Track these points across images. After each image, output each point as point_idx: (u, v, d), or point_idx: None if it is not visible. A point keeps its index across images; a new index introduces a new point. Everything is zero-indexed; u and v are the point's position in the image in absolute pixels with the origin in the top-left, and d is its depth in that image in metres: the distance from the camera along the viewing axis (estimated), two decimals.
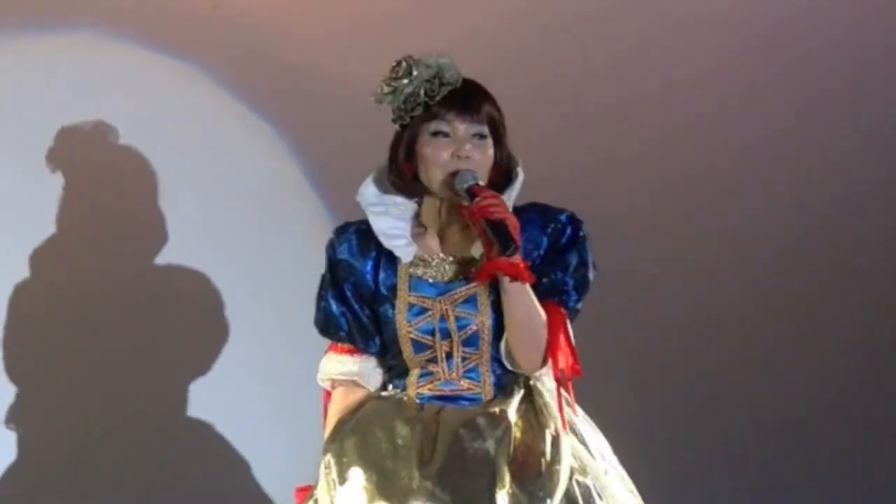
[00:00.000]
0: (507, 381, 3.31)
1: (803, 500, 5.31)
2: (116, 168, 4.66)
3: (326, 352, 3.40)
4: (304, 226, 4.78)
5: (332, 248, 3.35)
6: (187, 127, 4.77)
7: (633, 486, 3.32)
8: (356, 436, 3.26)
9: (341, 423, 3.31)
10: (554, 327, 3.25)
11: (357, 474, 3.21)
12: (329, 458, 3.27)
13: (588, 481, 3.23)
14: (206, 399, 4.71)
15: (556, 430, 3.27)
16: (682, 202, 5.18)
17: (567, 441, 3.25)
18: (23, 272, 4.60)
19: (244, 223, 4.82)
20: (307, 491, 3.35)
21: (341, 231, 3.37)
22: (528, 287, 3.21)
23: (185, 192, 4.73)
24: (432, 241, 3.32)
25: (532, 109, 4.59)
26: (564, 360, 3.24)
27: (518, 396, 3.31)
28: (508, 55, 4.67)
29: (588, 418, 3.37)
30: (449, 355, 3.28)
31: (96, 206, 4.68)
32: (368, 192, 3.33)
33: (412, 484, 3.18)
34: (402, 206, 3.32)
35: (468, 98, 3.26)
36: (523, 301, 3.22)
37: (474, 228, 3.20)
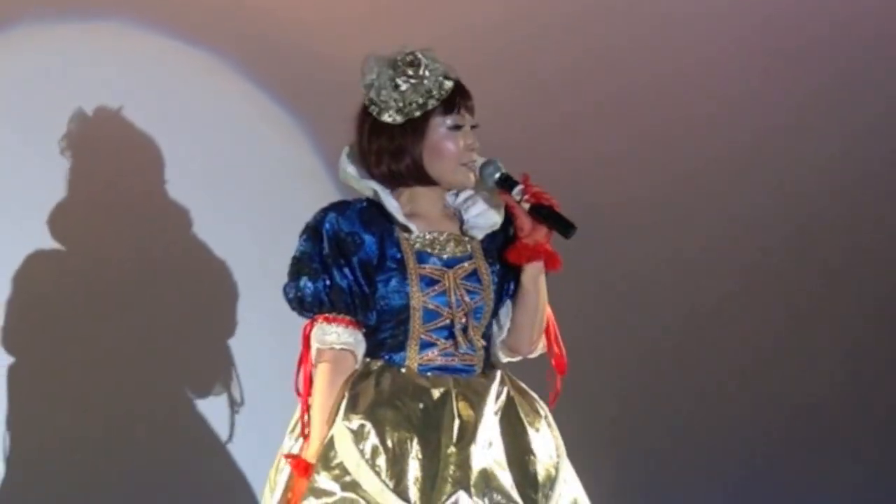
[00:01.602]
0: (489, 356, 3.45)
1: (795, 495, 5.37)
2: (135, 152, 4.69)
3: (312, 327, 3.39)
4: (318, 203, 4.84)
5: (334, 223, 3.38)
6: (205, 113, 4.80)
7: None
8: (388, 407, 3.32)
9: (356, 394, 3.34)
10: (551, 325, 3.47)
11: (403, 443, 3.27)
12: (361, 423, 3.29)
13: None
14: (220, 379, 4.72)
15: (542, 408, 3.45)
16: (672, 199, 5.22)
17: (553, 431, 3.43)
18: (42, 253, 4.60)
19: (260, 207, 4.86)
20: (299, 459, 3.35)
21: (343, 206, 3.42)
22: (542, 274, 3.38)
23: (203, 176, 4.76)
24: (420, 221, 3.40)
25: (522, 104, 4.64)
26: (561, 351, 3.46)
27: (500, 373, 3.44)
28: (508, 48, 4.70)
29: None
30: (464, 327, 3.37)
31: (115, 189, 4.70)
32: (354, 171, 3.42)
33: (451, 453, 3.26)
34: (383, 189, 3.40)
35: (468, 93, 3.39)
36: (543, 287, 3.40)
37: (517, 214, 3.33)
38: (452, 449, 3.26)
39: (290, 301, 3.40)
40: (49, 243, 4.61)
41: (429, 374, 3.37)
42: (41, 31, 4.67)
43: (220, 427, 4.74)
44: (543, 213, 3.28)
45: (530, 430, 3.37)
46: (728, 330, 5.30)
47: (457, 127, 3.36)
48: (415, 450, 3.27)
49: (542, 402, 3.47)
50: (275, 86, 4.85)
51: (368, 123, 3.38)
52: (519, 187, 3.30)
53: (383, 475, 3.25)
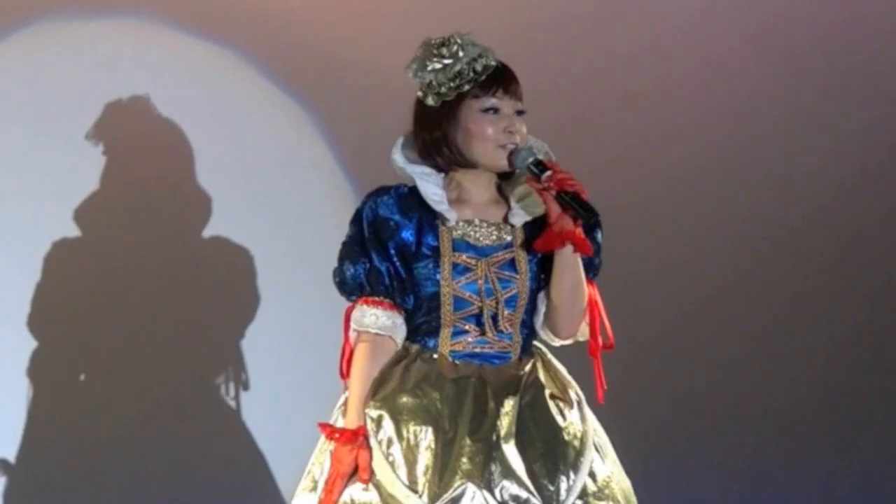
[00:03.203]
0: (528, 343, 3.43)
1: (784, 487, 5.37)
2: (159, 148, 4.72)
3: (353, 308, 3.40)
4: (335, 204, 4.83)
5: (373, 208, 3.38)
6: (227, 110, 4.83)
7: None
8: (410, 393, 3.33)
9: (383, 380, 3.36)
10: (593, 300, 3.42)
11: (418, 433, 3.28)
12: (380, 414, 3.31)
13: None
14: (242, 365, 4.74)
15: (577, 394, 3.41)
16: (665, 197, 5.23)
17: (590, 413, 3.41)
18: (62, 249, 4.64)
19: (279, 202, 4.89)
20: (331, 426, 3.37)
21: (382, 192, 3.40)
22: (578, 257, 3.35)
23: (224, 171, 4.78)
24: (465, 208, 3.39)
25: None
26: (607, 332, 3.42)
27: (539, 360, 3.43)
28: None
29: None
30: (494, 315, 3.35)
31: (141, 183, 4.73)
32: (400, 158, 3.41)
33: (465, 444, 3.25)
34: (433, 175, 3.39)
35: (510, 77, 3.36)
36: (577, 269, 3.35)
37: (542, 200, 3.31)
38: (467, 440, 3.26)
39: (336, 285, 3.41)
40: (67, 240, 4.65)
41: (458, 361, 3.37)
42: (59, 29, 4.69)
43: (239, 421, 4.75)
44: (567, 199, 3.26)
45: (558, 419, 3.35)
46: (715, 326, 5.31)
47: (493, 110, 3.33)
48: (428, 440, 3.26)
49: (578, 389, 3.44)
50: (295, 86, 4.87)
51: (417, 109, 3.38)
52: (547, 173, 3.28)
53: (396, 465, 3.26)
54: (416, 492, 3.23)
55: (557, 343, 3.49)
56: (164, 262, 4.79)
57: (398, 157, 3.42)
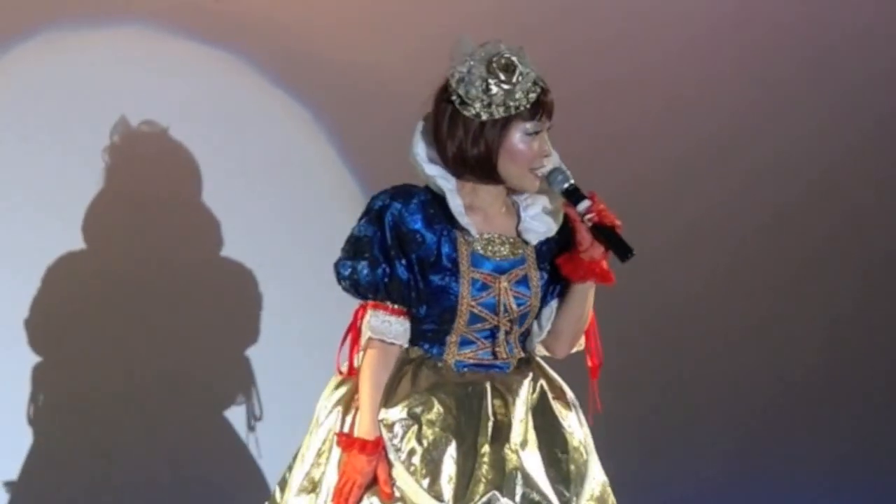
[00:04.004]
0: (524, 350, 3.46)
1: (774, 478, 5.38)
2: (165, 153, 4.71)
3: (365, 312, 3.39)
4: (340, 202, 4.85)
5: (397, 216, 3.33)
6: (233, 114, 4.82)
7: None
8: (425, 401, 3.33)
9: (393, 387, 3.37)
10: (593, 324, 3.46)
11: (438, 442, 3.29)
12: (396, 422, 3.32)
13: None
14: (248, 364, 4.77)
15: (572, 398, 3.45)
16: (653, 182, 5.22)
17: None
18: (70, 254, 4.65)
19: (286, 202, 4.89)
20: (351, 436, 3.33)
21: (406, 197, 3.35)
22: (593, 287, 3.36)
23: (230, 174, 4.79)
24: (478, 216, 3.37)
25: None
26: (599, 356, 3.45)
27: (536, 365, 3.46)
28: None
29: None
30: (508, 331, 3.37)
31: (146, 184, 4.73)
32: (424, 160, 3.36)
33: (485, 452, 3.28)
34: (453, 181, 3.35)
35: (548, 101, 3.33)
36: (590, 299, 3.39)
37: (574, 226, 3.30)
38: (487, 448, 3.27)
39: (342, 278, 3.35)
40: (72, 242, 4.66)
41: (465, 370, 3.38)
42: (61, 38, 4.69)
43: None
44: (605, 234, 3.24)
45: (563, 425, 3.38)
46: (703, 312, 5.32)
47: (536, 133, 3.31)
48: (450, 448, 3.27)
49: (572, 395, 3.47)
50: (300, 88, 4.88)
51: (450, 110, 3.31)
52: (586, 203, 3.27)
53: (418, 475, 3.27)
54: (441, 500, 3.24)
55: (541, 356, 3.53)
56: (170, 262, 4.80)
57: (420, 150, 3.37)
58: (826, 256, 5.48)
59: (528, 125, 3.30)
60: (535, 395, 3.39)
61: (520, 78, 3.27)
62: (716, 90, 5.30)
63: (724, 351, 5.36)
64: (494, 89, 3.27)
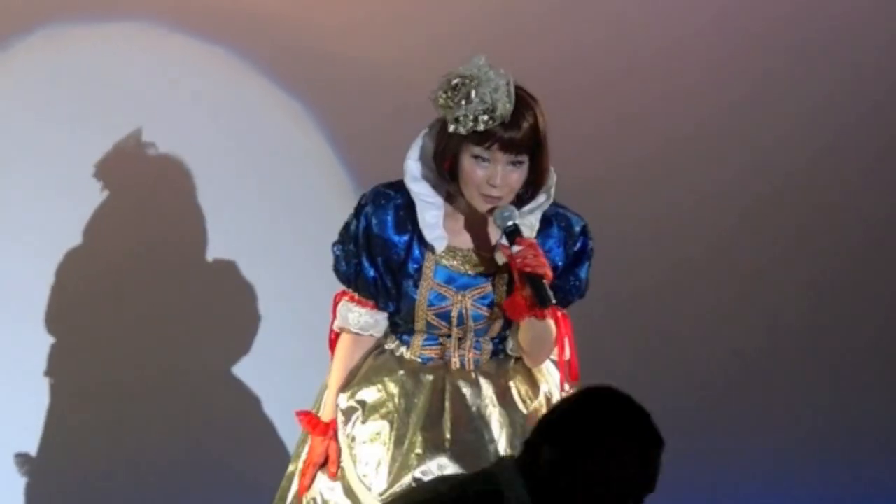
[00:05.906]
0: (499, 350, 3.52)
1: (764, 468, 5.39)
2: (162, 147, 4.75)
3: (341, 299, 3.49)
4: (331, 195, 4.88)
5: (369, 218, 3.40)
6: (229, 109, 4.85)
7: None
8: (372, 387, 3.44)
9: (355, 372, 3.49)
10: (562, 336, 3.44)
11: (376, 427, 3.40)
12: (347, 406, 3.44)
13: None
14: (246, 358, 4.83)
15: (549, 390, 3.51)
16: (645, 171, 5.21)
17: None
18: (69, 249, 4.69)
19: (278, 193, 4.91)
20: (309, 415, 3.49)
21: (380, 201, 3.42)
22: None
23: (227, 168, 4.83)
24: (460, 231, 3.42)
25: None
26: (571, 369, 3.45)
27: (503, 358, 3.52)
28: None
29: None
30: (461, 339, 3.44)
31: (142, 177, 4.75)
32: (414, 168, 3.39)
33: (416, 440, 3.36)
34: (435, 196, 3.40)
35: (515, 130, 3.28)
36: (539, 326, 3.38)
37: (512, 268, 3.30)
38: (419, 436, 3.36)
39: (333, 267, 3.49)
40: (72, 237, 4.70)
41: (429, 363, 3.47)
42: (63, 34, 4.71)
43: (247, 415, 4.83)
44: (530, 280, 3.26)
45: (524, 411, 3.44)
46: (692, 299, 5.31)
47: (480, 158, 3.29)
48: (384, 435, 3.38)
49: (548, 371, 3.50)
50: (291, 82, 4.88)
51: (441, 129, 3.36)
52: (516, 249, 3.28)
53: (355, 459, 3.41)
54: (367, 487, 3.37)
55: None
56: (167, 257, 4.82)
57: (413, 163, 3.40)
58: (807, 248, 5.48)
59: (476, 149, 3.30)
60: (499, 386, 3.45)
61: (474, 98, 3.24)
62: (702, 85, 5.28)
63: (691, 338, 5.36)
64: (451, 105, 3.28)
